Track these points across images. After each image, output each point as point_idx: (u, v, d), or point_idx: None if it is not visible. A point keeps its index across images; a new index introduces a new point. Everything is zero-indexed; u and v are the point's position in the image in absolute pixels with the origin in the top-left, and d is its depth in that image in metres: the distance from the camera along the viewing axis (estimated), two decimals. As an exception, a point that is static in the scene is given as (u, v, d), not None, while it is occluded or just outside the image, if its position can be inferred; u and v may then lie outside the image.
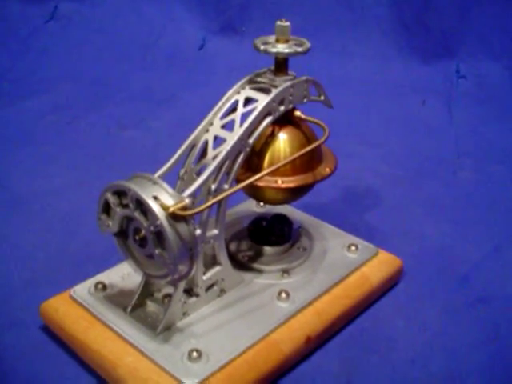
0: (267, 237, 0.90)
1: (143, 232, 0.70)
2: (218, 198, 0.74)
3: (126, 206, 0.70)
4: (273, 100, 0.77)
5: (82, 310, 0.80)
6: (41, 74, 1.72)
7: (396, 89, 1.64)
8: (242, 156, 0.77)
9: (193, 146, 0.79)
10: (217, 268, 0.81)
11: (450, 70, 1.67)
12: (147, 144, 1.36)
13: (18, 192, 1.16)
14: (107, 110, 1.54)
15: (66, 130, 1.43)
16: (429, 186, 1.23)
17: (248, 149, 0.77)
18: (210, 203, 0.72)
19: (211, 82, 1.64)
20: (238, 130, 0.75)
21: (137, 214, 0.68)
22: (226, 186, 0.76)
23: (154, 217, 0.66)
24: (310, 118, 0.83)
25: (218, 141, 0.78)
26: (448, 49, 1.68)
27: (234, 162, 0.76)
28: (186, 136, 0.80)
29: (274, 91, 0.78)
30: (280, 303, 0.81)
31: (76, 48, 1.82)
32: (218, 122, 0.79)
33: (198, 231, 0.72)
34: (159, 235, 0.68)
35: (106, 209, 0.73)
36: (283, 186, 0.80)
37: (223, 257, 0.81)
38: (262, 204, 1.01)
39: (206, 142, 0.78)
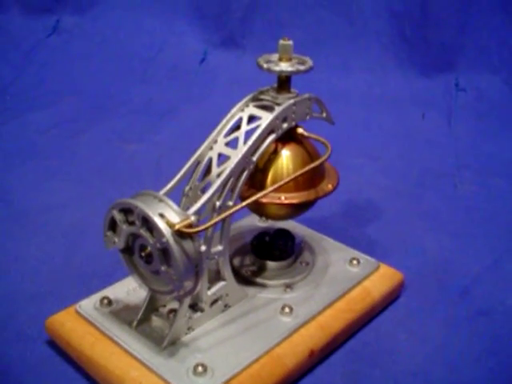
0: (270, 251, 0.91)
1: (149, 249, 0.71)
2: (223, 215, 0.75)
3: (132, 224, 0.71)
4: (276, 118, 0.78)
5: (87, 325, 0.81)
6: (43, 87, 1.73)
7: (396, 102, 1.65)
8: (245, 173, 0.78)
9: (197, 163, 0.80)
10: (221, 283, 0.82)
11: (450, 84, 1.67)
12: (149, 157, 1.37)
13: (22, 206, 1.17)
14: (109, 123, 1.55)
15: (68, 144, 1.44)
16: (429, 199, 1.24)
17: (252, 166, 0.78)
18: (214, 221, 0.73)
19: (212, 95, 1.65)
20: (242, 148, 0.76)
21: (143, 231, 0.69)
22: (230, 203, 0.77)
23: (160, 234, 0.67)
24: (312, 135, 0.84)
25: (222, 158, 0.79)
26: (447, 62, 1.69)
27: (238, 179, 0.77)
28: (188, 149, 0.81)
29: (277, 109, 0.79)
30: (283, 318, 0.82)
31: (78, 62, 1.83)
32: (222, 140, 0.80)
33: (203, 247, 0.73)
34: (165, 252, 0.69)
35: (112, 226, 0.74)
36: (286, 202, 0.81)
37: (227, 272, 0.82)
38: (264, 219, 1.02)
39: (211, 160, 0.79)
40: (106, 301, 0.83)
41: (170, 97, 1.69)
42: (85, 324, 0.81)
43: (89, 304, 0.83)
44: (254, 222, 1.03)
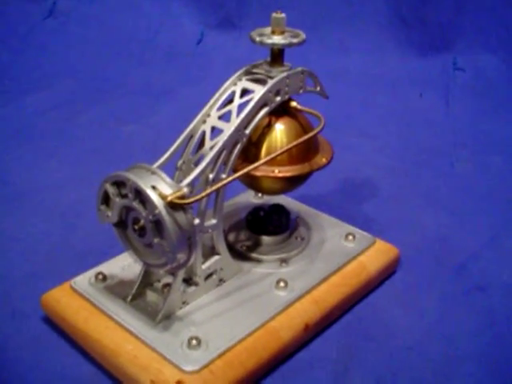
0: (265, 227, 0.91)
1: (142, 221, 0.70)
2: (216, 186, 0.74)
3: (125, 196, 0.71)
4: (269, 91, 0.78)
5: (82, 301, 0.81)
6: (40, 70, 1.73)
7: (394, 82, 1.65)
8: (238, 146, 0.77)
9: (190, 136, 0.80)
10: (215, 257, 0.82)
11: (448, 63, 1.67)
12: (146, 138, 1.37)
13: (20, 186, 1.17)
14: (106, 105, 1.55)
15: (65, 126, 1.44)
16: (426, 177, 1.24)
17: (245, 139, 0.78)
18: (207, 192, 0.73)
19: (209, 76, 1.64)
20: (235, 121, 0.76)
21: (136, 204, 0.69)
22: (223, 176, 0.77)
23: (153, 206, 0.67)
24: (305, 109, 0.84)
25: (216, 132, 0.79)
26: (445, 42, 1.68)
27: (231, 152, 0.77)
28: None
29: (270, 82, 0.78)
30: (278, 292, 0.82)
31: (75, 44, 1.83)
32: (215, 113, 0.80)
33: (197, 220, 0.73)
34: (158, 224, 0.69)
35: (106, 199, 0.74)
36: (280, 175, 0.81)
37: (222, 246, 0.82)
38: (259, 195, 1.02)
39: (204, 133, 0.79)
40: (100, 276, 0.83)
41: (167, 78, 1.69)
42: (80, 299, 0.81)
43: (84, 280, 0.84)
44: (249, 198, 1.03)
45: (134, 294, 0.80)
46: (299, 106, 0.83)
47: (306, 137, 0.80)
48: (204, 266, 0.80)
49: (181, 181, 0.74)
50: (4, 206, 1.11)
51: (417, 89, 1.61)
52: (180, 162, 0.80)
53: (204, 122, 0.80)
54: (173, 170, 0.80)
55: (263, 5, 1.75)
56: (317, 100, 0.88)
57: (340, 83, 1.57)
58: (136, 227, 0.72)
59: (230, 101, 0.81)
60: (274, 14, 0.80)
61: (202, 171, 0.74)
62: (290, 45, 0.80)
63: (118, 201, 0.72)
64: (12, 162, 1.26)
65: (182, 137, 0.80)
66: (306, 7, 1.73)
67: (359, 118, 1.50)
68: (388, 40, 1.72)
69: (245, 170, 0.76)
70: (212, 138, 0.78)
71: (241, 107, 0.78)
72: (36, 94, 1.60)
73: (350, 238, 0.93)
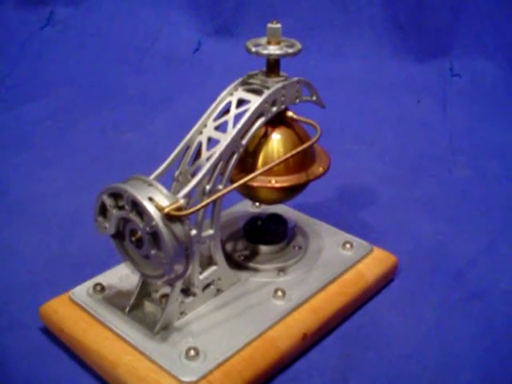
0: (263, 236, 0.91)
1: (139, 233, 0.71)
2: (213, 197, 0.75)
3: (122, 208, 0.71)
4: (265, 101, 0.78)
5: (80, 312, 0.81)
6: (38, 79, 1.73)
7: (390, 88, 1.65)
8: (235, 157, 0.78)
9: (187, 147, 0.80)
10: (213, 268, 0.82)
11: (444, 69, 1.67)
12: (144, 146, 1.37)
13: (17, 196, 1.17)
14: (104, 113, 1.55)
15: (63, 135, 1.44)
16: (423, 184, 1.24)
17: (241, 149, 0.78)
18: (204, 203, 0.73)
19: (207, 84, 1.64)
20: (231, 131, 0.76)
21: (132, 216, 0.69)
22: (220, 187, 0.77)
23: (150, 218, 0.67)
24: (302, 118, 0.84)
25: (212, 142, 0.79)
26: (442, 47, 1.69)
27: (227, 162, 0.77)
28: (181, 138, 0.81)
29: (266, 92, 0.79)
30: (276, 301, 0.82)
31: (72, 53, 1.83)
32: (211, 124, 0.80)
33: (194, 231, 0.73)
34: (155, 236, 0.69)
35: (103, 211, 0.74)
36: (277, 185, 0.81)
37: (219, 256, 0.82)
38: (257, 204, 1.02)
39: (200, 144, 0.79)
40: (98, 287, 0.83)
41: (164, 86, 1.69)
42: (78, 310, 0.81)
43: (82, 291, 0.84)
44: (247, 207, 1.03)
45: (132, 304, 0.80)
46: (295, 116, 0.83)
47: (302, 147, 0.81)
48: (202, 277, 0.80)
49: (178, 192, 0.74)
50: (2, 216, 1.11)
51: (414, 95, 1.62)
52: (177, 173, 0.80)
53: (200, 132, 0.80)
54: (170, 180, 0.80)
55: (260, 12, 1.75)
56: (314, 107, 0.88)
57: (337, 90, 1.58)
58: (133, 239, 0.72)
59: (226, 111, 0.81)
60: (269, 25, 0.80)
61: (199, 182, 0.74)
62: (286, 55, 0.80)
63: (115, 212, 0.72)
64: (10, 172, 1.26)
65: (178, 147, 0.80)
66: (302, 14, 1.72)
67: (356, 125, 1.50)
68: (385, 46, 1.72)
69: (242, 181, 0.76)
70: (208, 149, 0.78)
71: (237, 118, 0.78)
72: (34, 102, 1.60)
73: (348, 246, 0.93)
